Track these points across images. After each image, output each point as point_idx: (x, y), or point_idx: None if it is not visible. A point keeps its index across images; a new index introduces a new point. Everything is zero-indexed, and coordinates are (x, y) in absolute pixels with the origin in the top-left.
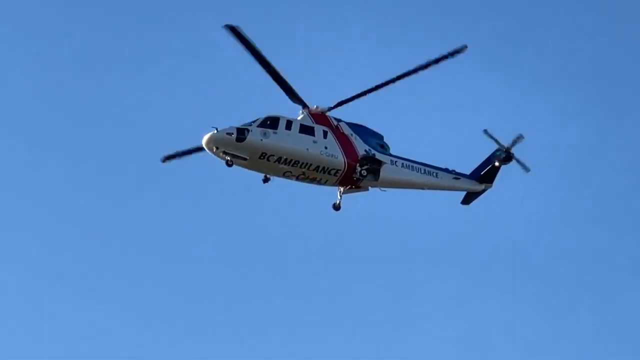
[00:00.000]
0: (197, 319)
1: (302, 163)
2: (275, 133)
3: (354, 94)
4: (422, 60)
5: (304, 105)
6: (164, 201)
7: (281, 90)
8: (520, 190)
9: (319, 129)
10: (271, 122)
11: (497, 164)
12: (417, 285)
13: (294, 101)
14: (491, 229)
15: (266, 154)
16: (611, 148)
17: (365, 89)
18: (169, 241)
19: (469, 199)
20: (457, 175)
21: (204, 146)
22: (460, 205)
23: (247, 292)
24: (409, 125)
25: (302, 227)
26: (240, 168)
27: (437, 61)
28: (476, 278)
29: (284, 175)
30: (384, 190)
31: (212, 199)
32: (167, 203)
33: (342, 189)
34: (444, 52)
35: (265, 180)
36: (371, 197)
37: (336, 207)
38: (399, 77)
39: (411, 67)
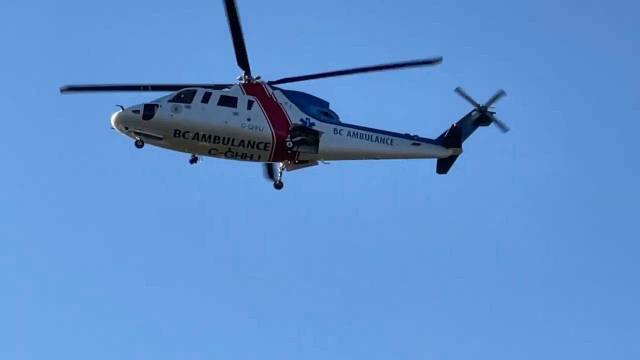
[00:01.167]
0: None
1: (224, 138)
2: (189, 107)
3: (305, 74)
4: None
5: (247, 72)
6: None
7: (233, 49)
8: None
9: (243, 99)
10: (185, 96)
11: (455, 124)
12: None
13: (240, 65)
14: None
15: (180, 131)
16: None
17: (317, 72)
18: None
19: (442, 167)
20: (418, 141)
21: (113, 127)
22: (437, 175)
23: (178, 283)
24: (377, 90)
25: (239, 210)
26: (163, 149)
27: (404, 65)
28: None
29: (210, 153)
30: (328, 163)
31: (132, 184)
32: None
33: (281, 164)
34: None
35: (193, 160)
36: (319, 172)
37: (277, 186)
38: (358, 70)
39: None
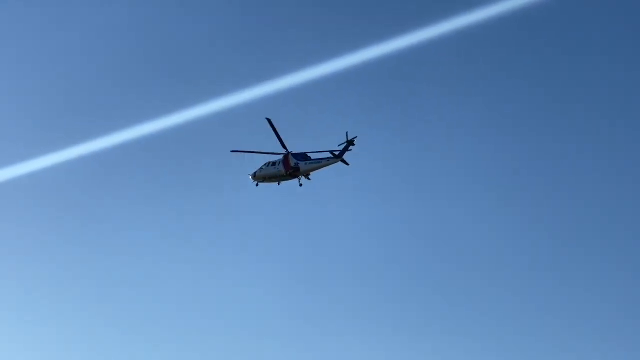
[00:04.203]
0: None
1: (275, 176)
2: (263, 169)
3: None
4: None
5: (286, 149)
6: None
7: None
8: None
9: (279, 162)
10: (263, 166)
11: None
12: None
13: (284, 148)
14: None
15: (265, 177)
16: None
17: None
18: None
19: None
20: (329, 158)
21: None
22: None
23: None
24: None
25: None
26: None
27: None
28: None
29: (273, 180)
30: (308, 176)
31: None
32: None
33: (301, 177)
34: None
35: (257, 185)
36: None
37: (300, 184)
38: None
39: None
